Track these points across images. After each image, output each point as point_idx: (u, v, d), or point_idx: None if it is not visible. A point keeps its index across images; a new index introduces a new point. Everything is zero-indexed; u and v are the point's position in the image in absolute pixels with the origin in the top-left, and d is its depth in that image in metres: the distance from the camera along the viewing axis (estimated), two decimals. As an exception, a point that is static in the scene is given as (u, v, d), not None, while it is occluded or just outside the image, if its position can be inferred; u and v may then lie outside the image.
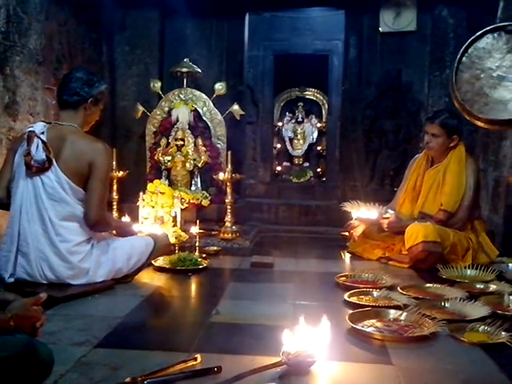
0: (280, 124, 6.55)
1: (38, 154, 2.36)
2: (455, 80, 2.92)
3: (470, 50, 2.91)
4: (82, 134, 2.50)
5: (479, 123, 2.99)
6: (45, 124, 2.48)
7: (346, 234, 3.76)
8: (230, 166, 3.71)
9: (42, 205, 2.38)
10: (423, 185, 3.45)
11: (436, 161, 3.43)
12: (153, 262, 2.93)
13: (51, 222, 2.38)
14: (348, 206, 3.61)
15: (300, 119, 6.51)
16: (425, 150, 3.51)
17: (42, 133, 2.41)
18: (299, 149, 6.52)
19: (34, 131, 2.40)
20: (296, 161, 6.49)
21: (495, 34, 2.89)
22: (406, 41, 4.86)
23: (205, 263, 3.07)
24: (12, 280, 2.39)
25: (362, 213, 3.51)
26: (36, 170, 2.37)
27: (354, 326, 1.98)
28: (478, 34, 2.92)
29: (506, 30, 2.86)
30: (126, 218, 3.47)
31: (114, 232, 2.86)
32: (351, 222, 3.60)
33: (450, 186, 3.28)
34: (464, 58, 2.91)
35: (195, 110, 4.27)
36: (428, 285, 2.67)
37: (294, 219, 5.20)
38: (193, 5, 4.71)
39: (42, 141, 2.37)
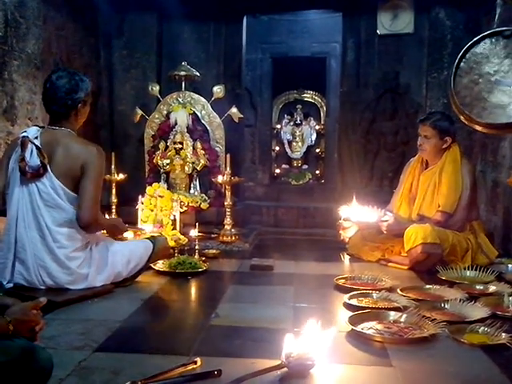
0: (278, 126, 6.56)
1: (33, 159, 2.33)
2: (453, 85, 2.93)
3: (467, 55, 2.92)
4: (76, 138, 2.48)
5: (478, 127, 2.99)
6: (38, 128, 2.45)
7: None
8: (228, 168, 3.71)
9: (39, 211, 2.36)
10: (419, 187, 3.45)
11: (430, 163, 3.44)
12: (152, 265, 2.93)
13: (48, 228, 2.36)
14: (344, 210, 3.59)
15: (298, 121, 6.53)
16: (418, 153, 3.51)
17: (36, 137, 2.38)
18: (298, 151, 6.53)
19: (27, 136, 2.36)
20: (295, 163, 6.51)
21: (493, 39, 2.90)
22: (403, 43, 4.87)
23: (204, 266, 3.07)
24: (11, 285, 2.38)
25: (361, 215, 3.50)
26: (31, 176, 2.34)
27: (354, 328, 1.98)
28: (475, 39, 2.93)
29: (503, 35, 2.87)
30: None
31: (105, 232, 2.77)
32: (340, 221, 3.61)
33: (447, 187, 3.29)
34: (462, 64, 2.93)
35: (194, 114, 4.27)
36: (428, 286, 2.67)
37: (293, 221, 5.20)
38: (190, 8, 4.71)
39: (36, 146, 2.34)
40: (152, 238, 2.92)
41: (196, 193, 4.16)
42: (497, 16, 3.65)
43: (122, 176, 3.89)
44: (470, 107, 2.90)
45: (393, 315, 2.15)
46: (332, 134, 5.89)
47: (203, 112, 4.29)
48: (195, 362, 1.63)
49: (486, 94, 2.86)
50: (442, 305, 2.34)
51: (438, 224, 3.22)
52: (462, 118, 3.00)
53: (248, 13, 5.32)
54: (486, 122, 2.88)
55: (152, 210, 3.57)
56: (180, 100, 4.31)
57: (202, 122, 4.29)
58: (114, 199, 3.84)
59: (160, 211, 3.57)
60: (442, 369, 1.71)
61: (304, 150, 6.52)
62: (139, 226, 3.44)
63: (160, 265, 3.01)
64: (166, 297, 2.66)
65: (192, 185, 4.21)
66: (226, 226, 3.75)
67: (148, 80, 4.79)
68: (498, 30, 2.96)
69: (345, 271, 3.21)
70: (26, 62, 3.46)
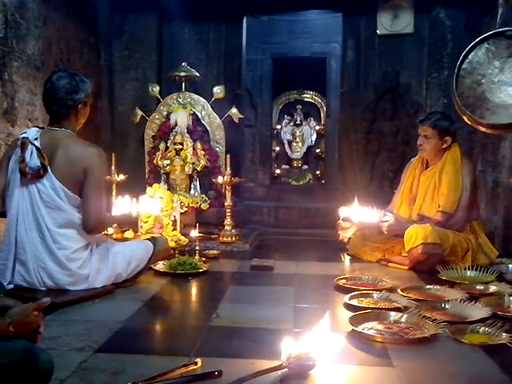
0: (279, 127, 6.56)
1: (33, 160, 2.32)
2: (456, 86, 2.93)
3: (470, 56, 2.92)
4: (76, 139, 2.47)
5: (481, 128, 2.99)
6: (38, 129, 2.45)
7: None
8: (229, 169, 3.72)
9: (39, 212, 2.35)
10: (420, 187, 3.45)
11: (431, 163, 3.44)
12: (152, 266, 2.92)
13: (48, 229, 2.36)
14: (343, 210, 3.58)
15: (298, 122, 6.53)
16: (419, 153, 3.51)
17: (36, 139, 2.38)
18: (298, 151, 6.53)
19: (27, 137, 2.36)
20: (295, 163, 6.50)
21: (495, 40, 2.89)
22: (403, 43, 4.87)
23: (205, 267, 3.07)
24: (11, 286, 2.38)
25: (361, 216, 3.49)
26: (31, 177, 2.34)
27: (355, 328, 1.98)
28: (477, 39, 2.92)
29: (505, 35, 2.87)
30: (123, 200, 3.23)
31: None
32: (339, 222, 3.61)
33: (447, 187, 3.28)
34: (465, 64, 2.92)
35: (194, 114, 4.27)
36: (428, 286, 2.67)
37: (293, 222, 5.20)
38: (191, 9, 4.72)
39: (36, 147, 2.34)
40: (152, 239, 2.92)
41: (196, 193, 4.16)
42: (499, 16, 3.63)
43: (122, 177, 3.89)
44: (473, 108, 2.90)
45: (393, 315, 2.15)
46: (332, 134, 5.89)
47: (203, 112, 4.29)
48: (196, 363, 1.63)
49: (489, 94, 2.86)
50: (443, 305, 2.34)
51: (438, 224, 3.22)
52: (464, 118, 3.00)
53: (248, 13, 5.32)
54: (488, 122, 2.88)
55: (152, 211, 3.57)
56: (180, 101, 4.31)
57: (202, 122, 4.29)
58: (114, 200, 3.83)
59: (160, 212, 3.57)
60: (442, 369, 1.71)
61: (304, 150, 6.51)
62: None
63: (160, 265, 3.01)
64: (166, 297, 2.65)
65: (192, 185, 4.21)
66: (226, 227, 3.76)
67: (148, 80, 4.80)
68: (500, 30, 2.95)
69: (345, 271, 3.21)
70: (26, 62, 3.46)
